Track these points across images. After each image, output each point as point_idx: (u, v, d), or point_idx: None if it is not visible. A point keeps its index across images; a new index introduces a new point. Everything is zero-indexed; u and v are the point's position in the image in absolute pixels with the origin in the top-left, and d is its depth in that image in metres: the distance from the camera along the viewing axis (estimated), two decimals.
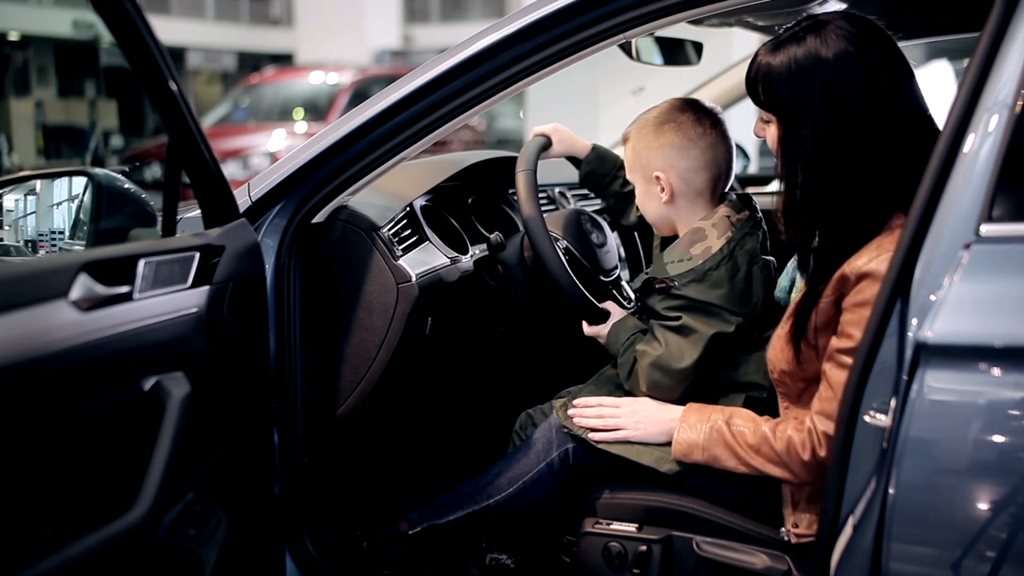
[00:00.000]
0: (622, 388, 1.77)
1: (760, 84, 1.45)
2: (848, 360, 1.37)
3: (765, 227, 1.74)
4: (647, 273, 1.71)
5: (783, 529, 1.55)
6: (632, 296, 2.11)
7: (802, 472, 1.47)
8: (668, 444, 1.62)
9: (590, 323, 1.79)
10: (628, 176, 1.78)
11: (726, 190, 1.73)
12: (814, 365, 1.45)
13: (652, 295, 1.69)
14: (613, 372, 1.82)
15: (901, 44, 1.42)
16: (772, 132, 1.46)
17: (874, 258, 1.34)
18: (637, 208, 1.81)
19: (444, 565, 1.94)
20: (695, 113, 1.69)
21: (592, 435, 1.67)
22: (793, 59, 1.39)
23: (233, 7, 20.55)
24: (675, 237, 1.73)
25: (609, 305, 1.80)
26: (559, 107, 7.38)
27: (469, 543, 1.95)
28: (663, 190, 1.70)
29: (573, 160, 2.00)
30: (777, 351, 1.49)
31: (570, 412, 1.71)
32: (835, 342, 1.39)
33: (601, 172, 1.99)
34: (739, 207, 1.71)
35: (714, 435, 1.55)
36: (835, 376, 1.40)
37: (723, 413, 1.57)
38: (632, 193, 1.81)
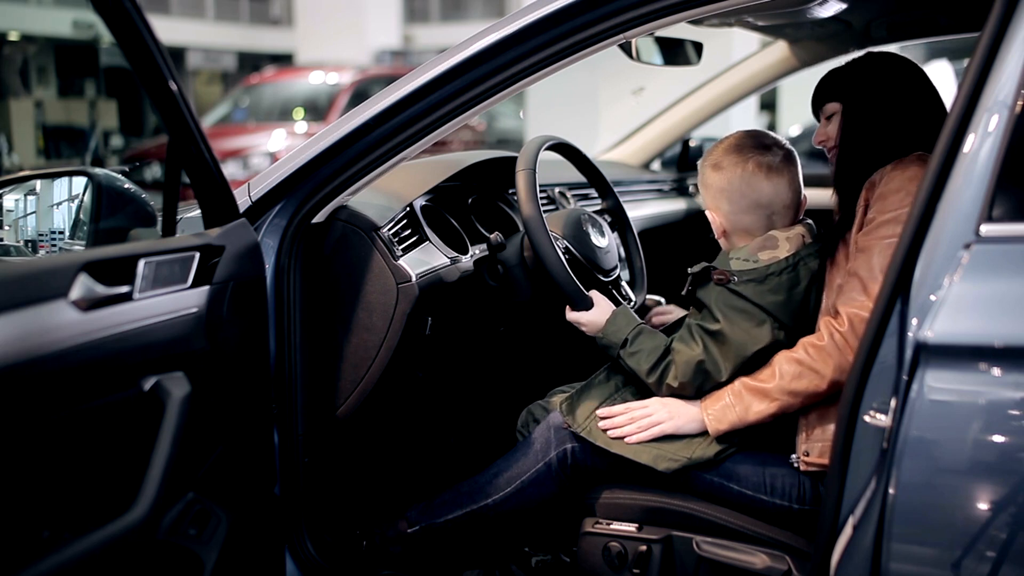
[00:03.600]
0: (624, 388, 1.77)
1: (842, 81, 1.72)
2: (867, 241, 1.54)
3: None
4: (708, 263, 1.70)
5: (793, 456, 1.60)
6: (632, 297, 2.11)
7: (826, 365, 1.52)
8: (675, 439, 1.64)
9: (573, 308, 1.78)
10: None
11: (799, 219, 1.73)
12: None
13: (707, 285, 1.67)
14: (616, 372, 1.82)
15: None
16: (834, 125, 1.72)
17: (896, 165, 1.58)
18: None
19: (449, 566, 1.94)
20: (741, 153, 1.69)
21: (629, 439, 1.66)
22: (871, 69, 1.70)
23: (233, 7, 20.54)
24: None
25: (594, 294, 1.79)
26: (559, 107, 7.38)
27: (468, 543, 1.96)
28: (715, 226, 1.74)
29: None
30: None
31: (600, 425, 1.70)
32: (860, 236, 1.56)
33: None
34: (816, 233, 1.72)
35: (737, 388, 1.61)
36: (857, 264, 1.54)
37: (738, 380, 1.62)
38: None
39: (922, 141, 1.64)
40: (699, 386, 1.65)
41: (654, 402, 1.68)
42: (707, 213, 1.75)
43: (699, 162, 1.77)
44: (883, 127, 1.67)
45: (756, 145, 1.69)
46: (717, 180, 1.70)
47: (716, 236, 1.76)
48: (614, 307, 1.77)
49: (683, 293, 1.75)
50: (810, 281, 1.64)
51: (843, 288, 1.55)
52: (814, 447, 1.57)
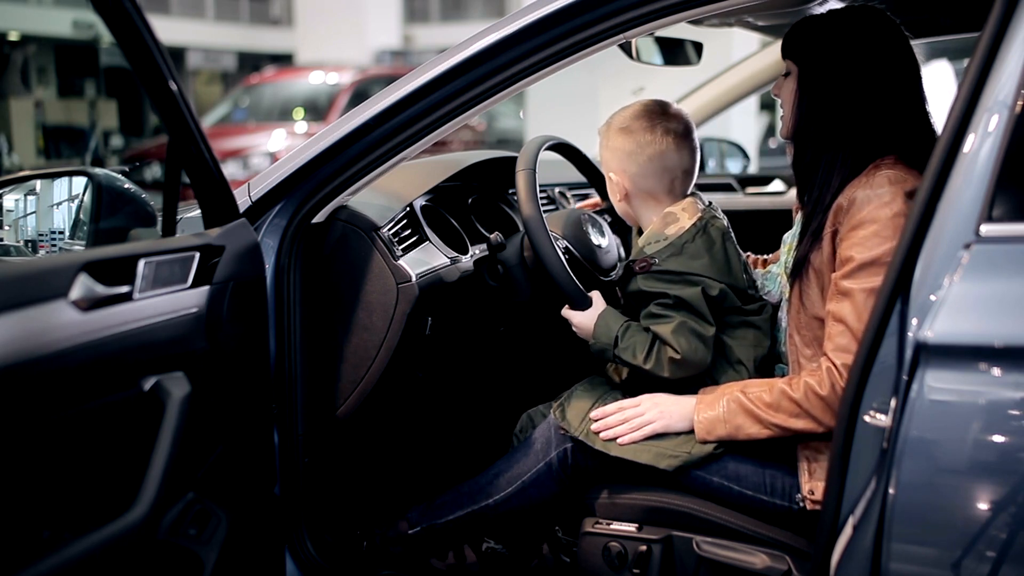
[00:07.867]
0: (616, 390, 1.77)
1: (799, 36, 1.62)
2: (849, 285, 1.47)
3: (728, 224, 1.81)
4: (624, 260, 1.73)
5: (798, 496, 1.58)
6: None
7: (825, 415, 1.51)
8: (679, 435, 1.63)
9: (571, 307, 1.77)
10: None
11: (689, 191, 1.78)
12: (820, 311, 1.55)
13: (634, 278, 1.71)
14: (605, 375, 1.82)
15: None
16: (788, 87, 1.63)
17: (863, 185, 1.50)
18: None
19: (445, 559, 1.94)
20: (650, 120, 1.74)
21: (621, 440, 1.66)
22: (836, 23, 1.58)
23: (233, 7, 20.54)
24: None
25: (594, 294, 1.79)
26: (559, 107, 7.38)
27: (469, 543, 1.96)
28: (617, 189, 1.78)
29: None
30: (792, 311, 1.61)
31: (594, 427, 1.69)
32: (836, 275, 1.50)
33: None
34: (706, 202, 1.79)
35: (732, 406, 1.59)
36: (841, 309, 1.48)
37: (737, 385, 1.62)
38: None
39: (889, 132, 1.54)
40: (697, 348, 1.63)
41: (646, 399, 1.68)
42: (609, 176, 1.79)
43: (601, 127, 1.82)
44: (842, 106, 1.55)
45: (663, 113, 1.75)
46: (625, 143, 1.74)
47: (616, 200, 1.81)
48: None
49: (622, 303, 1.78)
50: (723, 239, 1.71)
51: (831, 334, 1.51)
52: (818, 486, 1.55)
